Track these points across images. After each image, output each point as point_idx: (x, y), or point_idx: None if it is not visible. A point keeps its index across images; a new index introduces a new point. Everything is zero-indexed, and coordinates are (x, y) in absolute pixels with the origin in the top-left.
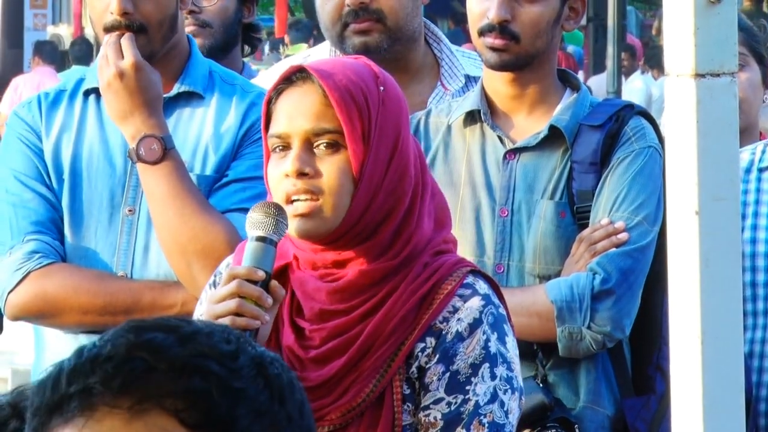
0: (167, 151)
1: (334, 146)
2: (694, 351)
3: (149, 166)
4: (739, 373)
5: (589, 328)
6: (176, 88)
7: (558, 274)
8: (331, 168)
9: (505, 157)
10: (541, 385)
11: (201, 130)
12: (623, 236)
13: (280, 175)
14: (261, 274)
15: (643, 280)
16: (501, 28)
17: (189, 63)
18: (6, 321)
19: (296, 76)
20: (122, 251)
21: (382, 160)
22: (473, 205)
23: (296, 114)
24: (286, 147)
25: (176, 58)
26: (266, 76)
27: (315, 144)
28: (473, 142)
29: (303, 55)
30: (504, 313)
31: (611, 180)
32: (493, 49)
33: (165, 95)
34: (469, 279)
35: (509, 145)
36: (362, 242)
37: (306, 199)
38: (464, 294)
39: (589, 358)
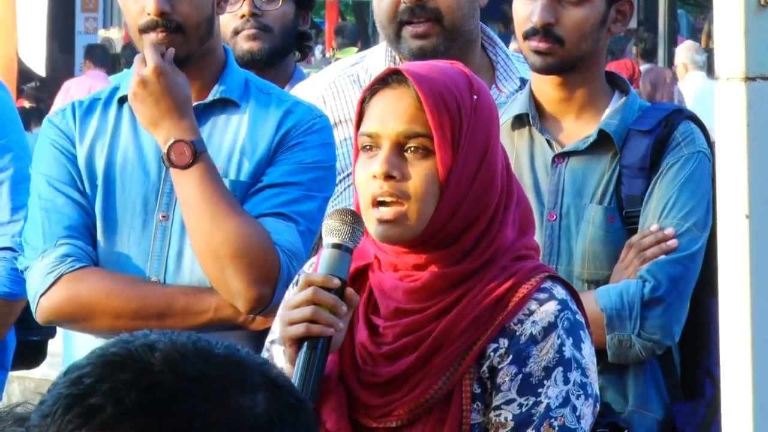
0: (197, 155)
1: (424, 151)
2: (744, 353)
3: (180, 170)
4: None
5: (638, 335)
6: (212, 95)
7: (606, 279)
8: (419, 173)
9: (553, 161)
10: None
11: (236, 136)
12: (673, 243)
13: (367, 176)
14: (336, 282)
15: (692, 286)
16: (545, 32)
17: (225, 71)
18: None
19: (392, 78)
20: (155, 257)
21: (470, 169)
22: None
23: (389, 115)
24: (374, 146)
25: (212, 64)
26: (315, 80)
27: (405, 147)
28: (521, 146)
29: (359, 56)
30: (581, 320)
31: (660, 186)
32: (538, 52)
33: (201, 102)
34: (547, 284)
35: (558, 149)
36: (444, 248)
37: (392, 203)
38: (540, 298)
39: (638, 362)
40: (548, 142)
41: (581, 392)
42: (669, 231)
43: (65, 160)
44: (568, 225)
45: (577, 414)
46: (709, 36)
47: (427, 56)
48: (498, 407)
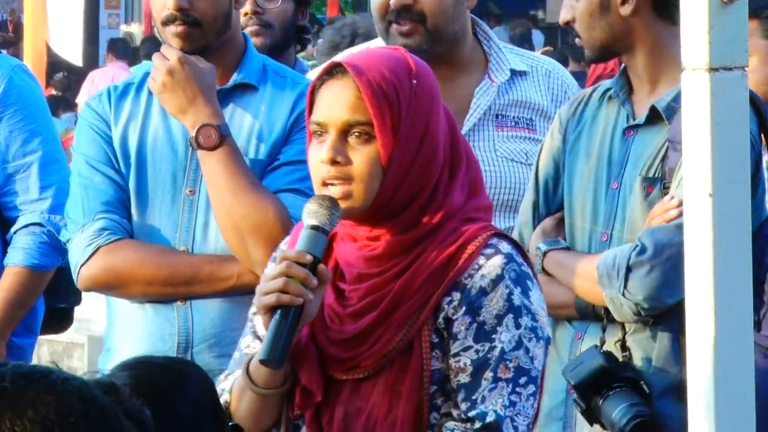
0: (223, 138)
1: (366, 136)
2: (707, 320)
3: (207, 152)
4: (748, 339)
5: (623, 295)
6: (233, 81)
7: None
8: (361, 157)
9: (624, 132)
10: (602, 351)
11: (255, 118)
12: (673, 213)
13: (317, 161)
14: (309, 258)
15: None
16: (572, 28)
17: (245, 58)
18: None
19: (336, 69)
20: (184, 228)
21: (411, 149)
22: (595, 176)
23: (334, 105)
24: (324, 133)
25: (231, 53)
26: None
27: (349, 133)
28: (611, 116)
29: (363, 47)
30: (528, 270)
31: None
32: (581, 46)
33: (223, 87)
34: (493, 241)
35: (631, 122)
36: (393, 218)
37: (338, 184)
38: (487, 253)
39: (665, 323)
40: (627, 115)
41: (532, 335)
42: (674, 201)
43: (102, 141)
44: (624, 194)
45: (530, 355)
46: None
47: (412, 53)
48: (457, 354)
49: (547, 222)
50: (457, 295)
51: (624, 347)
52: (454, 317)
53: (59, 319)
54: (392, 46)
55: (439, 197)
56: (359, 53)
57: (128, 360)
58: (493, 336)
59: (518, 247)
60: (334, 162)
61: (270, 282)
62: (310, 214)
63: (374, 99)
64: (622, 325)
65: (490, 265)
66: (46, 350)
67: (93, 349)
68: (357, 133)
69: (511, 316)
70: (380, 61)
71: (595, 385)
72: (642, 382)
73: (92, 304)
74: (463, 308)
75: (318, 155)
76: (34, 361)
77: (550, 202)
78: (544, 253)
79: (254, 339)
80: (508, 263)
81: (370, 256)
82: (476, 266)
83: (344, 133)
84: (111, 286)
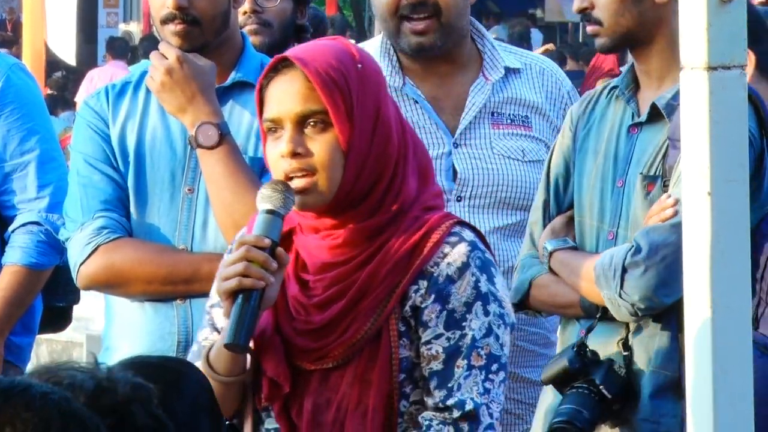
0: (223, 137)
1: (322, 124)
2: (705, 318)
3: (207, 150)
4: (747, 338)
5: (620, 296)
6: (231, 79)
7: None
8: (321, 146)
9: (629, 130)
10: (575, 351)
11: (254, 116)
12: (668, 212)
13: (276, 156)
14: (267, 242)
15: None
16: (586, 17)
17: (243, 56)
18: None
19: (281, 64)
20: (183, 227)
21: (367, 132)
22: (602, 174)
23: (285, 99)
24: (278, 128)
25: (230, 51)
26: None
27: (305, 124)
28: (618, 114)
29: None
30: (490, 258)
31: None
32: (593, 35)
33: (221, 85)
34: (456, 229)
35: (635, 120)
36: (356, 206)
37: (302, 176)
38: (452, 241)
39: (666, 322)
40: (632, 113)
41: (501, 322)
42: (670, 200)
43: (100, 140)
44: (629, 192)
45: (500, 342)
46: None
47: (425, 51)
48: (428, 342)
49: (557, 221)
50: (423, 283)
51: (626, 346)
52: (422, 305)
53: (58, 318)
54: (405, 42)
55: (397, 183)
56: (301, 47)
57: (124, 360)
58: (464, 324)
59: (479, 234)
60: (295, 154)
61: (230, 267)
62: (265, 198)
63: (325, 87)
64: (627, 324)
65: (456, 253)
66: (44, 349)
67: (92, 348)
68: (313, 123)
69: (479, 303)
70: (324, 51)
71: (561, 384)
72: (602, 387)
73: (91, 302)
74: (432, 296)
75: (277, 150)
76: (33, 360)
77: (561, 200)
78: (551, 253)
79: (212, 331)
80: (473, 251)
81: (334, 245)
82: (441, 254)
83: (300, 125)
84: (110, 284)
